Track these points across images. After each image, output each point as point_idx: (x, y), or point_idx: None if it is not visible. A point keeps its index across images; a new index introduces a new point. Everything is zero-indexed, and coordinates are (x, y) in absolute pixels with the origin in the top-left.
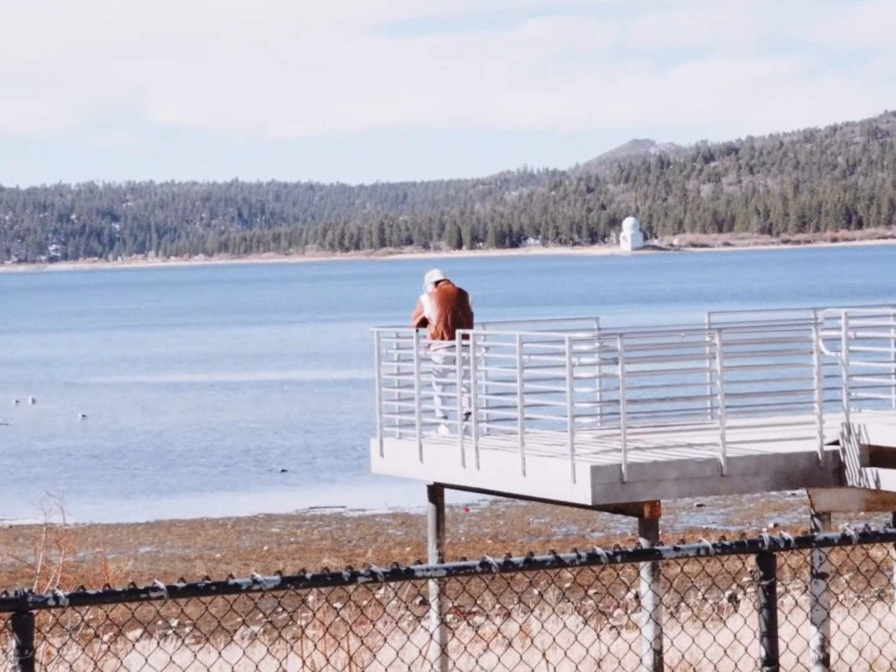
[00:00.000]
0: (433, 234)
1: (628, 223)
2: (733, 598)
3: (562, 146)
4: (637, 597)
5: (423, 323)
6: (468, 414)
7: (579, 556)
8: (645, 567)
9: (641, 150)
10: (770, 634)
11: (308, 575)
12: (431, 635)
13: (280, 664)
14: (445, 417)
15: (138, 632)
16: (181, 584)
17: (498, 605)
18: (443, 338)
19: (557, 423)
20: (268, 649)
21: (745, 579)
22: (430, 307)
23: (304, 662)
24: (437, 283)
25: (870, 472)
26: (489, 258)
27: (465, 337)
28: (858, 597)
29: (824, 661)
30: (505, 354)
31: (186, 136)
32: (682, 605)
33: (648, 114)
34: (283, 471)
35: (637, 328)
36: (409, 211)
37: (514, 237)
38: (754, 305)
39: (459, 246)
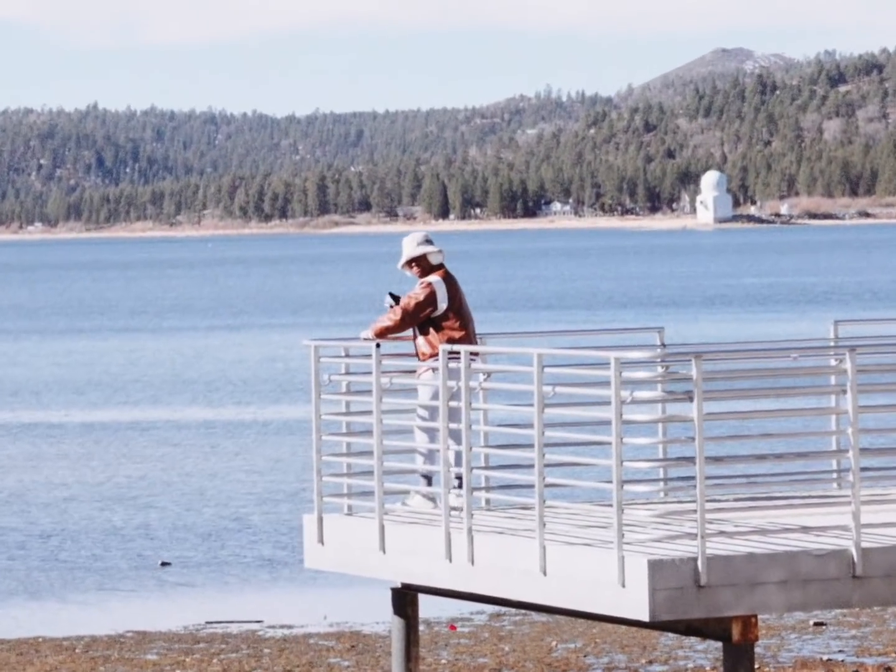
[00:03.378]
0: (403, 196)
1: (710, 180)
2: None
3: (606, 59)
4: None
5: (422, 323)
6: (459, 478)
7: None
8: None
9: (731, 65)
10: None
11: None
12: None
13: None
14: (429, 482)
15: None
16: None
17: None
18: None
19: (596, 493)
20: None
21: None
22: (444, 298)
23: None
24: (436, 263)
25: None
26: (491, 233)
27: (452, 354)
28: None
29: None
30: (515, 384)
31: (15, 40)
32: None
33: (742, 10)
34: (162, 564)
35: (722, 344)
36: (366, 158)
37: (530, 201)
38: None
39: (445, 213)
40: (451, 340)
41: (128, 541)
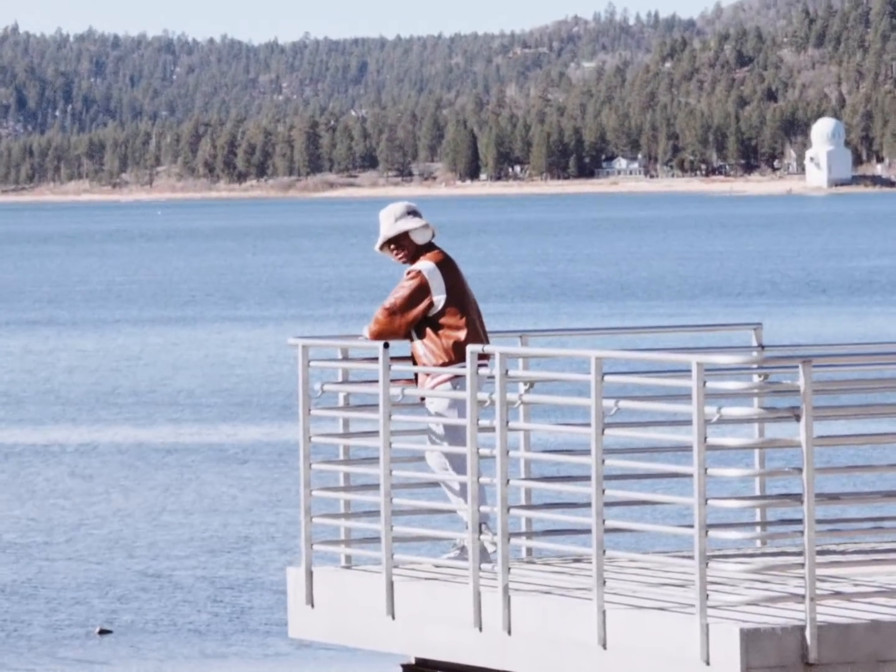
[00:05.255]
0: (419, 148)
1: (823, 131)
2: None
3: None
4: None
5: (419, 324)
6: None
7: None
8: None
9: None
10: None
11: None
12: None
13: None
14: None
15: None
16: None
17: None
18: (459, 360)
19: (673, 541)
20: None
21: None
22: (441, 290)
23: None
24: (422, 242)
25: None
26: (534, 198)
27: (483, 359)
28: None
29: None
30: (565, 398)
31: None
32: None
33: None
34: (101, 632)
35: (838, 346)
36: (371, 99)
37: (586, 156)
38: None
39: (474, 172)
40: (456, 344)
41: (27, 600)
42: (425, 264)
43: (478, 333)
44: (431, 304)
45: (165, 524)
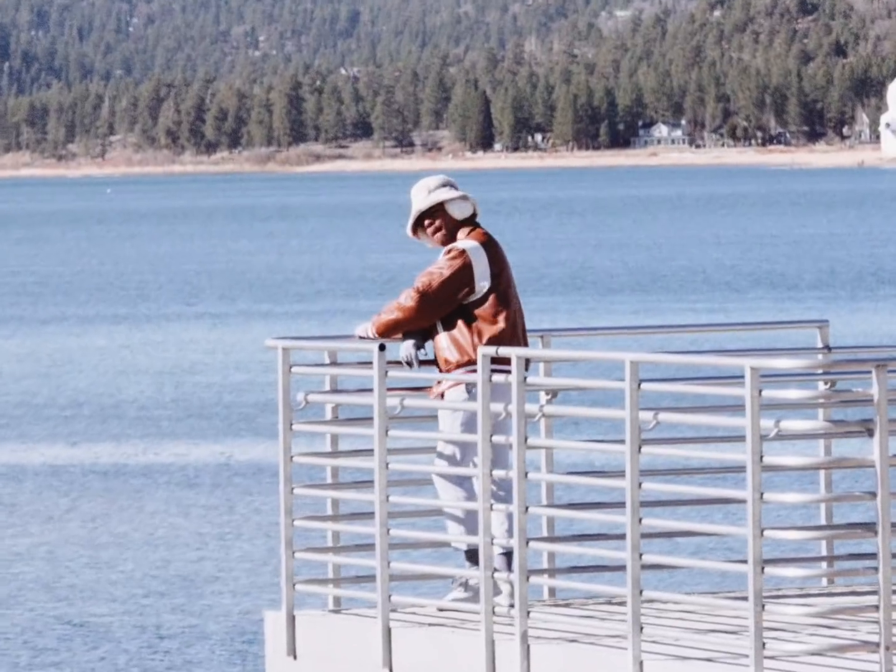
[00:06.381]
0: (422, 114)
1: None
2: None
3: None
4: None
5: (448, 314)
6: (507, 555)
7: None
8: None
9: None
10: None
11: None
12: None
13: None
14: (474, 561)
15: None
16: None
17: None
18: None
19: (722, 579)
20: None
21: None
22: (486, 275)
23: None
24: (467, 219)
25: None
26: (558, 172)
27: (499, 363)
28: None
29: None
30: (594, 409)
31: None
32: None
33: None
34: None
35: None
36: (364, 55)
37: (620, 122)
38: None
39: (487, 142)
40: (492, 340)
41: (25, 644)
42: (469, 242)
43: (516, 334)
44: (472, 291)
45: (104, 562)
